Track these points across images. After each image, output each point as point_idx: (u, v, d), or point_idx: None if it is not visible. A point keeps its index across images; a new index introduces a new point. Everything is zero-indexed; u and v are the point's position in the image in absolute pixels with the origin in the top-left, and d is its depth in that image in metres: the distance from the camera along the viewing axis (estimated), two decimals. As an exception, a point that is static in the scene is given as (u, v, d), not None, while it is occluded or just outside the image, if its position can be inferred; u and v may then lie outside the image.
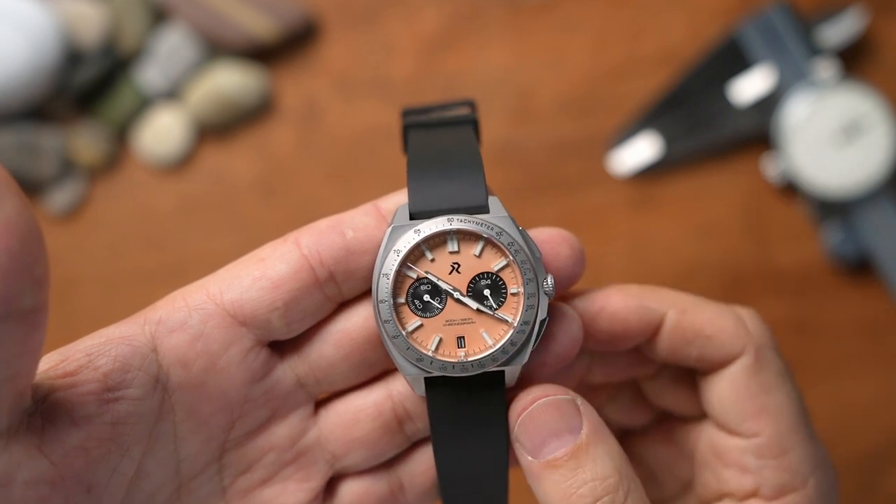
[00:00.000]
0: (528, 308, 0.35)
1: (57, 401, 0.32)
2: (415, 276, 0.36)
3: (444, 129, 0.39)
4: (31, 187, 0.75)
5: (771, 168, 0.74)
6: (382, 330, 0.35)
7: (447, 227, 0.35)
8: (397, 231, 0.35)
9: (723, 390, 0.39)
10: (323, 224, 0.36)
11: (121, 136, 0.76)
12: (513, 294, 0.36)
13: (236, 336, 0.35)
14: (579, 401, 0.36)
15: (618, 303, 0.39)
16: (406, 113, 0.42)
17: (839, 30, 0.73)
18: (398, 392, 0.38)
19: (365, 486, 0.39)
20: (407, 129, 0.40)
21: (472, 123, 0.40)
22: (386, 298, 0.35)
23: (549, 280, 0.35)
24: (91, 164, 0.75)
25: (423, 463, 0.39)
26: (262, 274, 0.35)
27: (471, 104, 0.42)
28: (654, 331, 0.39)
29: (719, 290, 0.74)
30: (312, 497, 0.38)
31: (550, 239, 0.37)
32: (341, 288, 0.36)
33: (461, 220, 0.35)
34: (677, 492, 0.44)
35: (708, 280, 0.75)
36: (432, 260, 0.36)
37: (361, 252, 0.36)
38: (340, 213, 0.37)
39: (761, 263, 0.75)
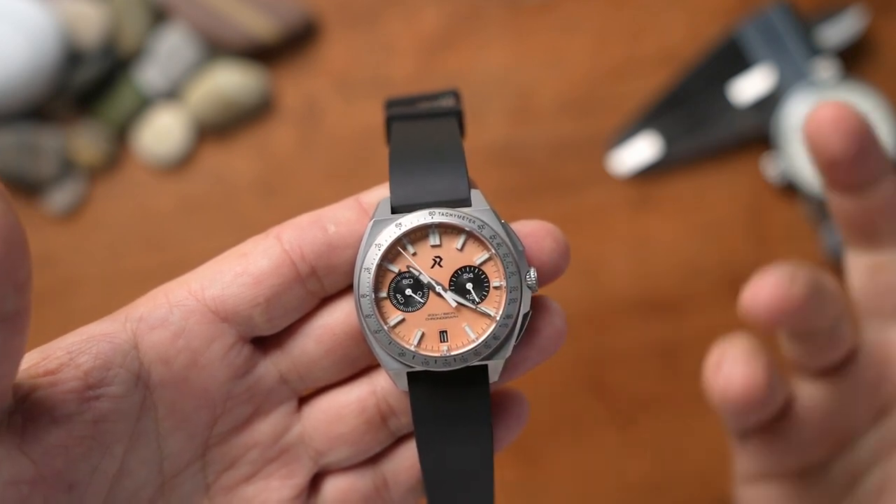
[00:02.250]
0: (510, 302, 0.35)
1: (38, 399, 0.32)
2: (396, 270, 0.36)
3: (428, 121, 0.39)
4: (31, 187, 0.75)
5: (771, 168, 0.74)
6: (364, 325, 0.35)
7: (429, 220, 0.35)
8: (378, 225, 0.35)
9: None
10: (304, 219, 0.36)
11: (121, 136, 0.76)
12: (495, 288, 0.36)
13: (218, 332, 0.35)
14: None
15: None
16: (390, 104, 0.42)
17: (839, 30, 0.73)
18: (382, 387, 0.38)
19: (349, 483, 0.39)
20: (390, 121, 0.40)
21: (456, 115, 0.39)
22: (367, 293, 0.35)
23: (532, 273, 0.35)
24: (91, 164, 0.75)
25: (407, 459, 0.39)
26: (243, 269, 0.35)
27: (455, 94, 0.42)
28: None
29: (720, 290, 0.74)
30: (296, 493, 0.38)
31: (534, 232, 0.37)
32: (323, 283, 0.36)
33: (443, 214, 0.35)
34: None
35: (708, 280, 0.74)
36: (414, 254, 0.35)
37: (343, 247, 0.36)
38: (322, 207, 0.37)
39: (762, 264, 0.74)
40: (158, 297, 0.35)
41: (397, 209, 0.35)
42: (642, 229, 0.75)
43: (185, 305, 0.35)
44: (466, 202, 0.36)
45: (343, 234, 0.36)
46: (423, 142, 0.37)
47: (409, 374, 0.36)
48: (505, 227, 0.35)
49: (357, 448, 0.38)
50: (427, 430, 0.36)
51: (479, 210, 0.35)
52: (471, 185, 0.36)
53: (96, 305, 0.75)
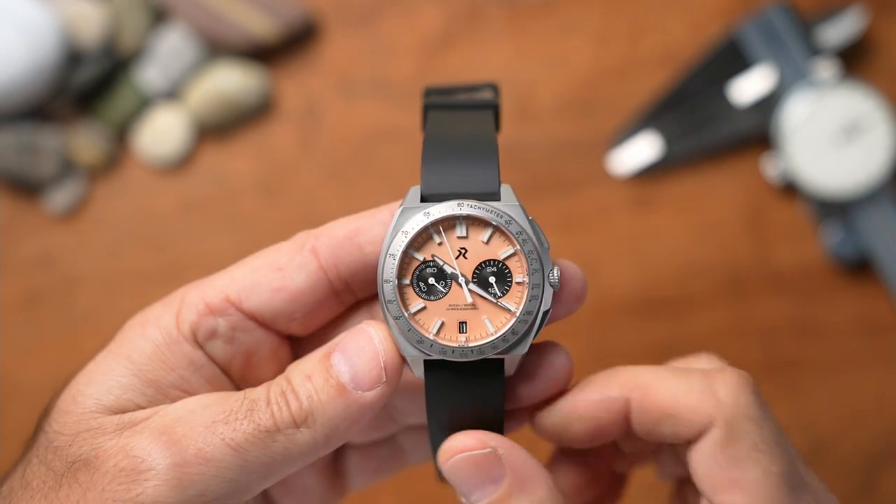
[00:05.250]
0: (531, 298, 0.35)
1: None
2: (421, 258, 0.36)
3: (464, 111, 0.40)
4: (31, 187, 0.75)
5: (771, 168, 0.74)
6: (385, 309, 0.35)
7: (457, 211, 0.35)
8: (407, 212, 0.36)
9: (696, 463, 0.37)
10: (340, 232, 0.37)
11: (121, 136, 0.76)
12: (518, 283, 0.36)
13: (263, 337, 0.37)
14: (502, 450, 0.36)
15: (584, 405, 0.38)
16: (428, 92, 0.42)
17: (839, 30, 0.74)
18: None
19: (369, 451, 0.42)
20: (427, 109, 0.40)
21: (493, 108, 0.40)
22: (391, 279, 0.35)
23: (556, 272, 0.35)
24: (91, 164, 0.75)
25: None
26: (281, 286, 0.36)
27: (494, 88, 0.42)
28: (627, 417, 0.38)
29: (720, 291, 0.74)
30: (325, 464, 0.42)
31: (564, 277, 0.37)
32: (357, 295, 0.38)
33: (471, 206, 0.35)
34: None
35: (708, 280, 0.75)
36: (440, 243, 0.36)
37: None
38: (356, 214, 0.37)
39: (761, 263, 0.75)
40: (198, 305, 0.36)
41: (427, 198, 0.36)
42: (642, 229, 0.75)
43: (229, 316, 0.36)
44: (496, 196, 0.36)
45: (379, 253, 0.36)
46: (458, 133, 0.38)
47: (425, 362, 0.36)
48: (532, 223, 0.36)
49: (379, 435, 0.42)
50: (439, 419, 0.37)
51: (507, 205, 0.36)
52: (501, 181, 0.36)
53: (96, 305, 0.75)
